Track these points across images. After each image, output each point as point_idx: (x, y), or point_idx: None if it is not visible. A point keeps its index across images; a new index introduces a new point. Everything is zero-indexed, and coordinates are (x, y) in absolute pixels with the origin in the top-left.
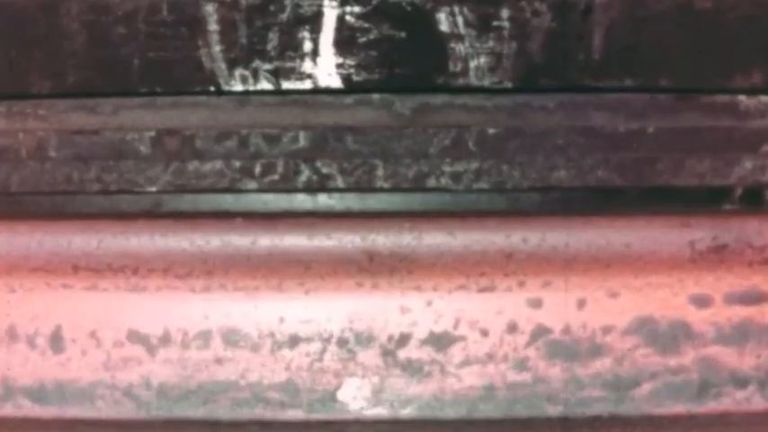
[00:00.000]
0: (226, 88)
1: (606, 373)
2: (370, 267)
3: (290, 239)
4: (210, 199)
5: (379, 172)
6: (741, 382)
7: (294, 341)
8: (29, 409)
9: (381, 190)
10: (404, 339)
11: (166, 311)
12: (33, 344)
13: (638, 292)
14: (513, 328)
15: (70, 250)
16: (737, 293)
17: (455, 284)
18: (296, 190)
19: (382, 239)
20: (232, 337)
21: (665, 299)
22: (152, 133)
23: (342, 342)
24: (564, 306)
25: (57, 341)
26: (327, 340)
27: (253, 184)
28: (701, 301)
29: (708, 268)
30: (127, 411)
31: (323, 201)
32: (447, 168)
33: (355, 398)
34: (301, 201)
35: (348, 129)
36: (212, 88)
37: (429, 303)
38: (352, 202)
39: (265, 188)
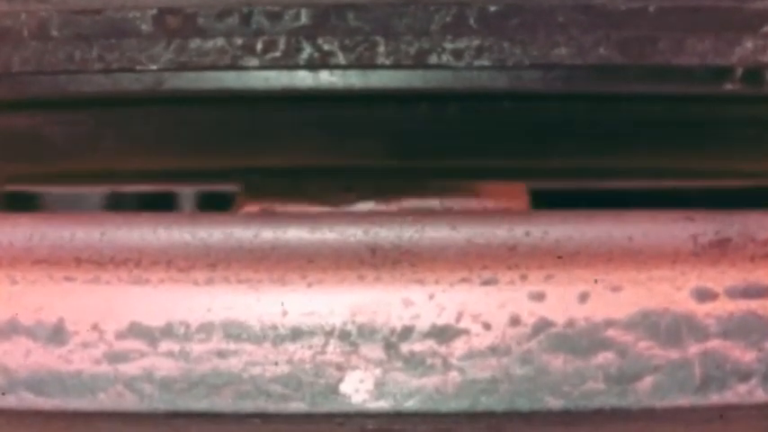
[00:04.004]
0: None
1: (608, 367)
2: (373, 260)
3: (292, 232)
4: (212, 76)
5: (381, 49)
6: (743, 375)
7: (296, 334)
8: (31, 401)
9: (383, 67)
10: (406, 332)
11: (169, 304)
12: (35, 336)
13: (641, 285)
14: (515, 321)
15: (73, 243)
16: (740, 287)
17: (458, 277)
18: (297, 67)
19: (385, 232)
20: (234, 330)
21: (668, 292)
22: (154, 11)
23: (344, 335)
24: (566, 299)
25: (59, 333)
26: (330, 333)
27: (254, 62)
28: (704, 295)
29: (710, 262)
30: (129, 404)
31: (324, 78)
32: (448, 45)
33: (357, 390)
34: (303, 78)
35: (350, 6)
36: None
37: (431, 296)
38: (353, 79)
39: (267, 65)
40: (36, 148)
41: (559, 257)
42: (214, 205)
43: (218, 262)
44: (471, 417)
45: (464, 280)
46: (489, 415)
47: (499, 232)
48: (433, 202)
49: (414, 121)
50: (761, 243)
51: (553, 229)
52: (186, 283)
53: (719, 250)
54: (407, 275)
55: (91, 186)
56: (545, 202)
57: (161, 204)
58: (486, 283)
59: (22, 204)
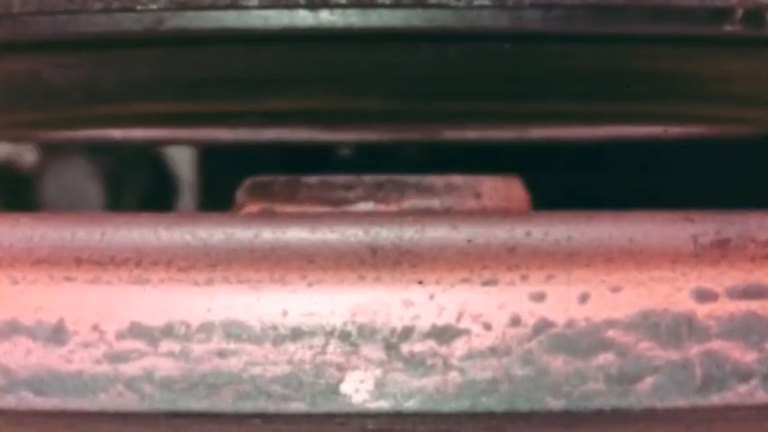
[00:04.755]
0: None
1: (609, 367)
2: (373, 260)
3: (292, 233)
4: (212, 16)
5: None
6: (744, 375)
7: (297, 334)
8: (31, 401)
9: (382, 6)
10: (406, 332)
11: (169, 304)
12: (35, 336)
13: (641, 286)
14: (515, 321)
15: (73, 243)
16: (740, 288)
17: (458, 278)
18: (297, 6)
19: (385, 232)
20: (234, 330)
21: (668, 293)
22: None
23: (344, 335)
24: (566, 300)
25: (59, 333)
26: (330, 333)
27: (254, 1)
28: (704, 296)
29: (711, 263)
30: (129, 404)
31: (324, 17)
32: None
33: (358, 391)
34: (303, 17)
35: None
36: None
37: (432, 297)
38: (353, 18)
39: (267, 4)
40: (36, 92)
41: (560, 258)
42: (215, 201)
43: (218, 262)
44: (472, 417)
45: (464, 280)
46: (489, 415)
47: (500, 233)
48: (433, 202)
49: (414, 62)
50: (761, 243)
51: (553, 229)
52: (186, 283)
53: (720, 251)
54: (408, 276)
55: (91, 130)
56: (544, 201)
57: (162, 197)
58: (486, 283)
59: (22, 205)
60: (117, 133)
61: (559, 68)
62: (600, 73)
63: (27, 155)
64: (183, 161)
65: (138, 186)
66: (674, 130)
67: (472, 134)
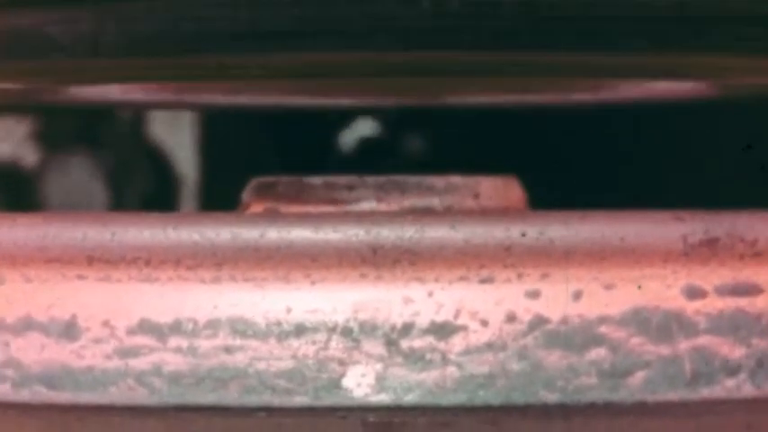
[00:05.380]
0: None
1: (601, 362)
2: (374, 259)
3: (296, 232)
4: None
5: None
6: (732, 370)
7: (300, 330)
8: (44, 395)
9: None
10: (406, 329)
11: (177, 301)
12: (48, 332)
13: (633, 283)
14: (511, 318)
15: (85, 242)
16: (729, 285)
17: (456, 276)
18: None
19: (386, 232)
20: (240, 327)
21: (659, 290)
22: None
23: (346, 331)
24: (561, 297)
25: (71, 330)
26: (333, 329)
27: None
28: (694, 293)
29: (700, 261)
30: (139, 398)
31: None
32: None
33: (359, 385)
34: None
35: None
36: None
37: (431, 294)
38: None
39: None
40: (37, 47)
41: (554, 256)
42: (216, 200)
43: (224, 261)
44: (469, 410)
45: (462, 278)
46: (486, 408)
47: (496, 232)
48: (433, 201)
49: (415, 13)
50: (749, 243)
51: (548, 229)
52: (194, 281)
53: (709, 249)
54: (408, 274)
55: (93, 86)
56: (541, 199)
57: (164, 196)
58: (483, 281)
59: (24, 205)
60: (115, 93)
61: (562, 18)
62: (604, 22)
63: (29, 155)
64: (185, 160)
65: (141, 185)
66: (683, 88)
67: (473, 99)
